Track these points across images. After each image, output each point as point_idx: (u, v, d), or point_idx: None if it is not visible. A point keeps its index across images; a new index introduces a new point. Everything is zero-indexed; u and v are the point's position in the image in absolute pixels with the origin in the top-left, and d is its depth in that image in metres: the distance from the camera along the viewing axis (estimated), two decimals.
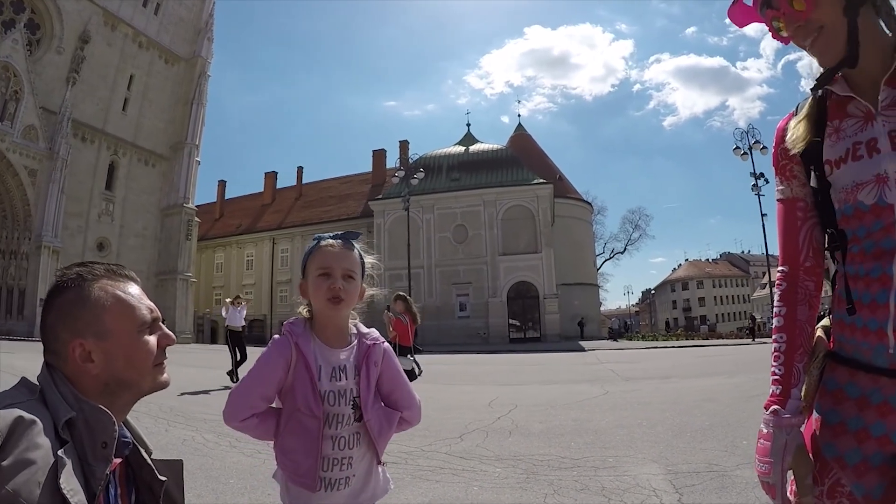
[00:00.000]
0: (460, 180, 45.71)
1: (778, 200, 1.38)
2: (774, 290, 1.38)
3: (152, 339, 1.22)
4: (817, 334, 1.33)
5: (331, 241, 1.68)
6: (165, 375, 1.26)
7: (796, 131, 1.31)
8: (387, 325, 8.84)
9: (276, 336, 1.67)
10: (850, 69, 1.20)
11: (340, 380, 1.61)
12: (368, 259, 1.75)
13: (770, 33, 1.30)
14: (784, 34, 1.25)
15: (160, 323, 1.27)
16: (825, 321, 1.35)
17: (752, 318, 40.05)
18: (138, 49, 46.02)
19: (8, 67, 36.43)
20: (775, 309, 1.35)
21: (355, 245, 1.70)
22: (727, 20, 1.38)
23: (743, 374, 11.47)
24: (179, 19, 49.17)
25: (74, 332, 1.13)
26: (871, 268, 1.17)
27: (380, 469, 1.71)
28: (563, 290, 44.68)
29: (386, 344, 1.74)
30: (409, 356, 8.76)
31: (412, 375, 8.81)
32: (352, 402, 1.61)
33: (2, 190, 37.89)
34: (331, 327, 1.66)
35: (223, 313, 13.08)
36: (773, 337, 1.32)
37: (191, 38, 50.21)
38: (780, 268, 1.36)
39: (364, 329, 1.73)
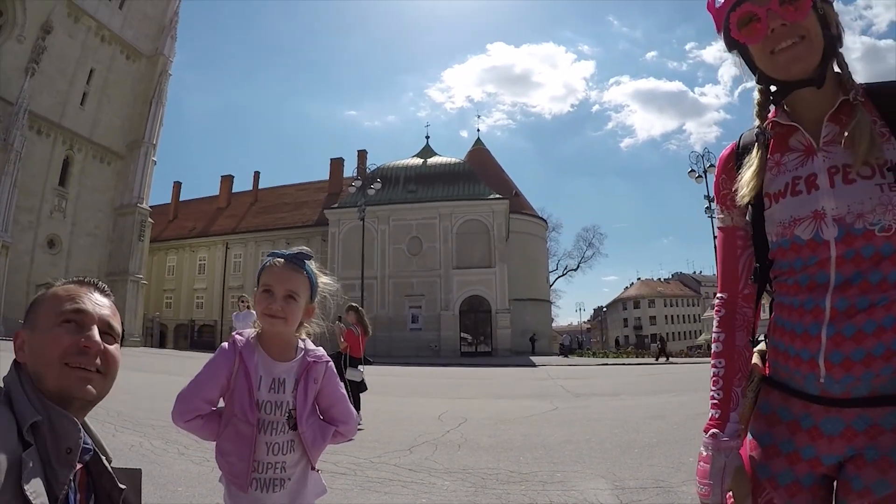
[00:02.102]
0: (417, 192, 45.77)
1: (718, 228, 1.41)
2: (713, 315, 1.40)
3: (64, 335, 1.15)
4: (753, 360, 1.36)
5: (278, 259, 1.74)
6: (87, 386, 1.16)
7: (744, 185, 1.31)
8: (337, 336, 8.73)
9: (224, 344, 1.74)
10: (817, 88, 1.21)
11: (279, 392, 1.69)
12: (323, 279, 1.82)
13: (731, 29, 1.25)
14: (755, 25, 1.21)
15: (94, 327, 1.19)
16: (761, 346, 1.39)
17: (661, 339, 39.21)
18: (100, 43, 44.65)
19: None
20: (713, 335, 1.38)
21: (306, 266, 1.75)
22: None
23: (690, 392, 11.72)
24: (144, 15, 47.95)
25: (23, 325, 1.19)
26: (804, 300, 1.21)
27: (315, 474, 1.79)
28: (515, 305, 45.09)
29: (329, 362, 1.81)
30: (358, 367, 8.66)
31: (362, 386, 8.74)
32: (287, 414, 1.69)
33: None
34: (275, 341, 1.73)
35: (234, 322, 11.52)
36: (712, 362, 1.35)
37: (154, 35, 49.04)
38: (718, 294, 1.39)
39: (311, 346, 1.80)
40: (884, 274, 1.13)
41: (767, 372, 1.34)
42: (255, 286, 1.77)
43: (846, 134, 1.18)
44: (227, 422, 1.67)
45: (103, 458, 1.23)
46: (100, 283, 1.29)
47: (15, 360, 1.16)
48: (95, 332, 1.20)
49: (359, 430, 7.52)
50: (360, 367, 8.72)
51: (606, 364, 30.69)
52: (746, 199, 1.31)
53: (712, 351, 1.37)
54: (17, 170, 37.17)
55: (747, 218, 1.34)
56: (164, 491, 4.34)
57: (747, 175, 1.33)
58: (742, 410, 1.31)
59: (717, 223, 1.42)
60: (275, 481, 1.67)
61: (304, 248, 1.79)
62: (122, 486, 1.22)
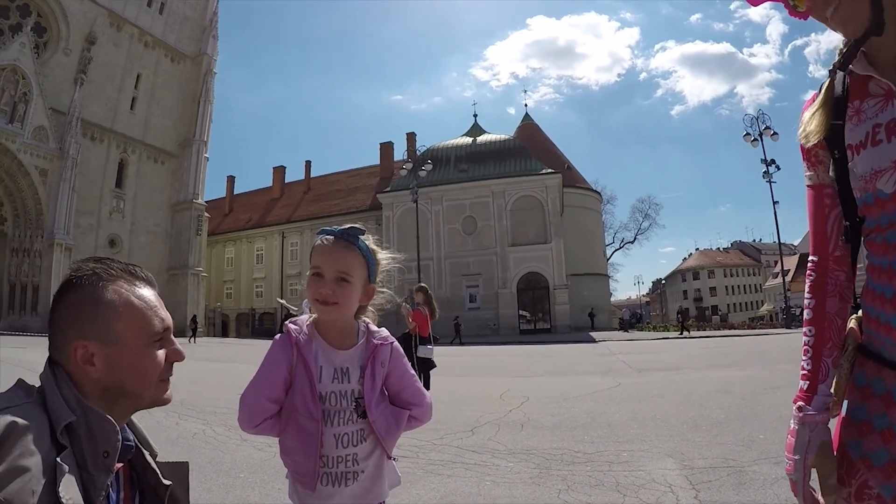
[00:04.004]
0: (468, 171, 45.59)
1: (807, 187, 1.30)
2: (805, 280, 1.30)
3: (161, 353, 1.16)
4: (851, 325, 1.26)
5: (327, 237, 1.57)
6: (169, 392, 1.21)
7: (809, 125, 1.24)
8: (405, 317, 8.85)
9: (278, 335, 1.61)
10: (878, 37, 1.10)
11: (343, 381, 1.56)
12: (381, 254, 1.66)
13: (787, 10, 1.20)
14: (801, 9, 1.16)
15: (171, 335, 1.21)
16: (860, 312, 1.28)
17: (684, 312, 37.13)
18: (144, 48, 46.51)
19: (16, 70, 37.10)
20: (805, 301, 1.28)
21: (359, 241, 1.59)
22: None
23: (757, 365, 11.37)
24: (184, 18, 49.59)
25: (80, 333, 1.09)
26: (893, 260, 1.10)
27: (391, 464, 1.67)
28: (573, 280, 44.57)
29: (395, 343, 1.67)
30: (429, 346, 8.83)
31: (431, 364, 8.90)
32: (354, 403, 1.56)
33: (14, 189, 38.68)
34: (333, 328, 1.59)
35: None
36: (803, 330, 1.26)
37: (196, 36, 50.62)
38: (810, 257, 1.29)
39: (374, 328, 1.65)
40: None
41: (862, 340, 1.23)
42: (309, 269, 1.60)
43: None
44: (288, 417, 1.54)
45: (146, 452, 1.20)
46: (142, 269, 1.22)
47: (50, 358, 1.11)
48: (178, 346, 1.21)
49: None
50: (430, 346, 8.87)
51: (667, 338, 30.04)
52: (812, 141, 1.23)
53: (804, 318, 1.27)
54: (74, 175, 39.42)
55: (829, 175, 1.23)
56: (227, 477, 4.44)
57: (807, 115, 1.25)
58: (837, 382, 1.22)
59: (805, 181, 1.30)
60: (346, 475, 1.55)
61: (357, 223, 1.62)
62: (167, 482, 1.19)
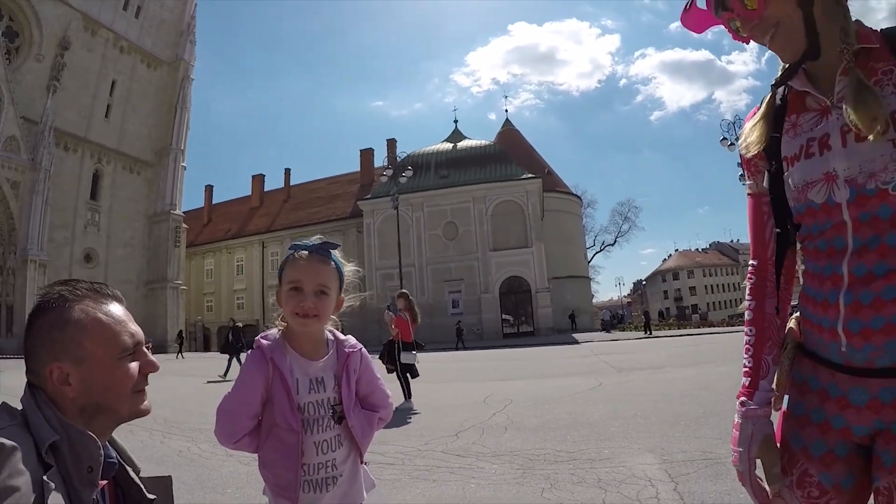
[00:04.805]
0: (449, 177, 45.68)
1: (747, 195, 1.38)
2: (745, 283, 1.39)
3: (133, 366, 1.19)
4: (790, 325, 1.34)
5: (303, 252, 1.61)
6: (146, 403, 1.23)
7: (750, 137, 1.30)
8: (388, 324, 8.98)
9: (251, 351, 1.65)
10: (813, 61, 1.17)
11: (319, 391, 1.61)
12: (348, 268, 1.70)
13: (730, 35, 1.27)
14: (743, 34, 1.23)
15: (144, 348, 1.23)
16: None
17: (646, 314, 40.02)
18: (119, 54, 45.30)
19: None
20: (746, 302, 1.36)
21: (332, 256, 1.64)
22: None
23: (735, 362, 11.39)
24: (161, 22, 48.40)
25: (53, 355, 1.11)
26: (824, 266, 1.18)
27: (364, 468, 1.73)
28: (554, 283, 44.81)
29: (363, 349, 1.74)
30: (412, 351, 9.00)
31: (413, 371, 9.05)
32: (332, 410, 1.61)
33: None
34: (306, 339, 1.64)
35: None
36: (745, 330, 1.34)
37: (173, 40, 49.46)
38: (750, 262, 1.37)
39: (341, 336, 1.72)
40: None
41: (800, 339, 1.31)
42: (279, 281, 1.64)
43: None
44: (268, 432, 1.58)
45: (130, 469, 1.23)
46: (108, 287, 1.24)
47: (30, 382, 1.13)
48: (151, 357, 1.23)
49: (409, 417, 7.70)
50: (413, 352, 9.06)
51: (648, 337, 30.39)
52: (752, 152, 1.30)
53: (745, 319, 1.35)
54: (47, 188, 37.84)
55: (764, 184, 1.30)
56: (215, 494, 4.43)
57: (748, 127, 1.32)
58: (778, 378, 1.29)
59: (746, 190, 1.38)
60: (326, 480, 1.60)
61: (326, 237, 1.66)
62: (152, 497, 1.22)
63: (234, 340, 17.49)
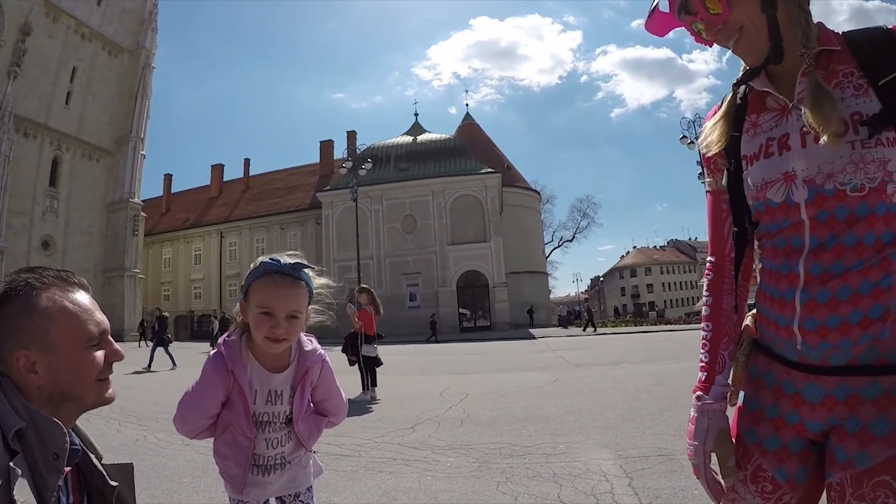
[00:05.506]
0: (408, 170, 45.49)
1: (707, 192, 1.39)
2: (703, 280, 1.39)
3: (98, 355, 1.19)
4: (747, 322, 1.36)
5: (278, 275, 1.57)
6: (111, 391, 1.23)
7: (710, 135, 1.31)
8: (351, 318, 9.12)
9: (213, 353, 1.67)
10: (777, 64, 1.18)
11: (276, 403, 1.68)
12: (318, 281, 1.70)
13: (693, 37, 1.27)
14: (706, 38, 1.23)
15: (108, 337, 1.23)
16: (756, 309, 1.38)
17: (589, 311, 40.12)
18: (81, 41, 44.10)
19: None
20: (703, 298, 1.37)
21: (303, 275, 1.61)
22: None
23: (691, 358, 11.65)
24: (123, 10, 47.29)
25: (20, 343, 1.11)
26: (780, 264, 1.19)
27: (313, 455, 1.85)
28: (512, 278, 45.08)
29: (326, 359, 1.76)
30: (373, 344, 9.23)
31: (377, 362, 9.25)
32: (285, 419, 1.71)
33: None
34: (268, 354, 1.66)
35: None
36: (702, 325, 1.35)
37: (135, 29, 48.45)
38: (708, 258, 1.38)
39: (306, 346, 1.72)
40: (859, 237, 1.09)
41: (756, 335, 1.33)
42: (244, 293, 1.61)
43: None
44: (224, 427, 1.67)
45: (93, 456, 1.22)
46: (75, 275, 1.24)
47: None
48: (116, 346, 1.23)
49: (369, 407, 7.68)
50: (375, 344, 9.28)
51: (605, 333, 30.84)
52: (712, 150, 1.31)
53: (702, 314, 1.37)
54: (6, 174, 37.06)
55: (724, 182, 1.31)
56: (171, 483, 4.37)
57: (708, 125, 1.33)
58: (734, 373, 1.31)
59: (705, 187, 1.39)
60: (275, 466, 1.71)
61: (298, 252, 1.64)
62: (114, 483, 1.22)
63: (159, 330, 17.07)
